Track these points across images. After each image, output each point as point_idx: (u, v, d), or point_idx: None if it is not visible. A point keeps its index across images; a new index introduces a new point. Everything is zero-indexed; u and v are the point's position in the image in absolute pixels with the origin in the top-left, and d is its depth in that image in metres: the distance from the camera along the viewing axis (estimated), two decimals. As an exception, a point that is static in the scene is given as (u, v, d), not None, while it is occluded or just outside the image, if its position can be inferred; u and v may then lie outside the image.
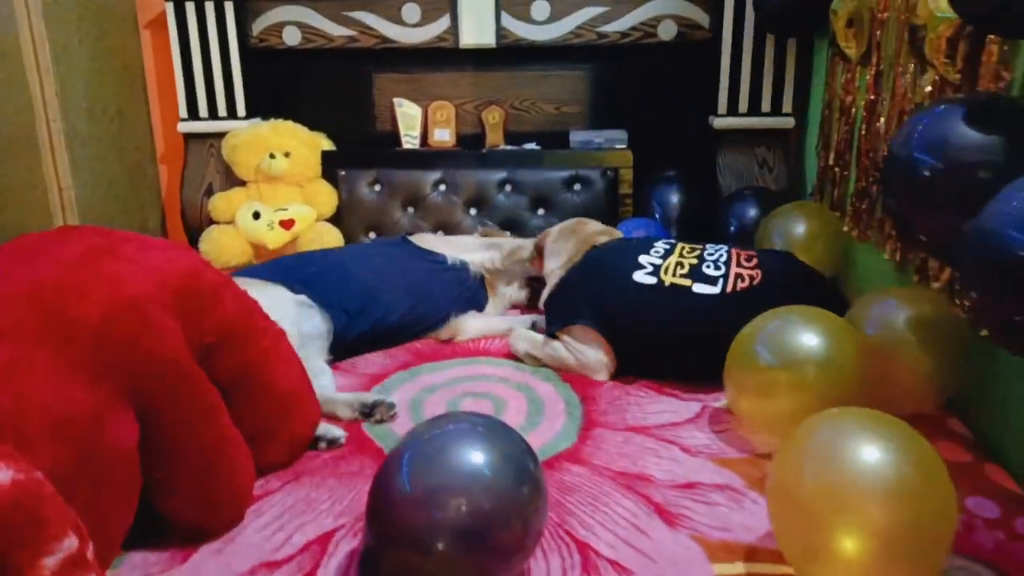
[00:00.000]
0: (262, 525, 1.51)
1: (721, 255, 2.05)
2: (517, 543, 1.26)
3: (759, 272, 1.99)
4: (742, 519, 1.52)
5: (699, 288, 1.97)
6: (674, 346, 1.99)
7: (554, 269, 2.27)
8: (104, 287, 1.34)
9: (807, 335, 1.67)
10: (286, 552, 1.43)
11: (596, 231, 2.31)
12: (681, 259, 2.04)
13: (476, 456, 1.27)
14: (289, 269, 2.20)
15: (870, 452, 1.24)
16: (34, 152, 2.77)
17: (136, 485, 1.29)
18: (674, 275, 2.00)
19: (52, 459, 1.11)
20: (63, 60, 2.82)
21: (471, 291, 2.49)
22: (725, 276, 1.98)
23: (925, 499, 1.21)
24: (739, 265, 2.01)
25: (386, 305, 2.27)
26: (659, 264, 2.04)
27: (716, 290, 1.96)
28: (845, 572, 1.20)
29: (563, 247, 2.28)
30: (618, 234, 2.36)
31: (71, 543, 1.00)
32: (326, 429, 1.77)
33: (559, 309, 2.18)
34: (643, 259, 2.06)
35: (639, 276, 2.02)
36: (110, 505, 1.21)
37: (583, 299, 2.09)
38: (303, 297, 2.09)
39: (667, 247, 2.11)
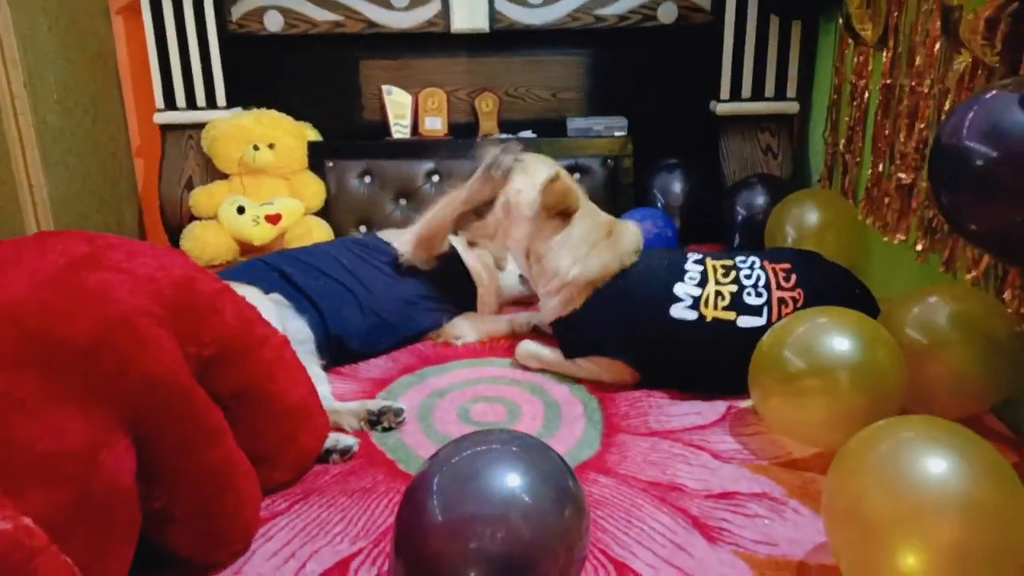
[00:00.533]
0: (271, 552, 1.39)
1: (759, 277, 1.87)
2: (560, 574, 1.15)
3: (800, 292, 1.85)
4: (787, 532, 1.43)
5: (744, 321, 1.82)
6: (717, 376, 1.87)
7: (558, 285, 1.96)
8: (92, 303, 1.21)
9: (838, 338, 1.57)
10: (300, 583, 1.32)
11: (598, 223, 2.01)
12: (719, 287, 1.86)
13: (512, 479, 1.16)
14: (256, 272, 2.05)
15: (937, 464, 1.15)
16: (2, 148, 2.60)
17: (136, 520, 1.16)
18: (715, 308, 1.84)
19: (43, 503, 0.98)
20: (30, 49, 2.64)
21: (452, 287, 2.31)
22: (768, 303, 1.83)
23: (1000, 514, 1.12)
24: (779, 287, 1.86)
25: (355, 314, 2.11)
26: (697, 295, 1.85)
27: (762, 321, 1.81)
28: (916, 596, 1.12)
29: (573, 248, 1.96)
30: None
31: (70, 598, 0.88)
32: (336, 439, 1.65)
33: (581, 342, 1.97)
34: (679, 289, 1.87)
35: (677, 311, 1.85)
36: (109, 546, 1.09)
37: (612, 332, 1.91)
38: (277, 296, 1.96)
39: (700, 271, 1.90)
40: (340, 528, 1.45)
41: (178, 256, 1.45)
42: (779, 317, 1.80)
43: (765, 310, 1.83)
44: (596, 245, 1.97)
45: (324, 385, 1.88)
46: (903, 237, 2.12)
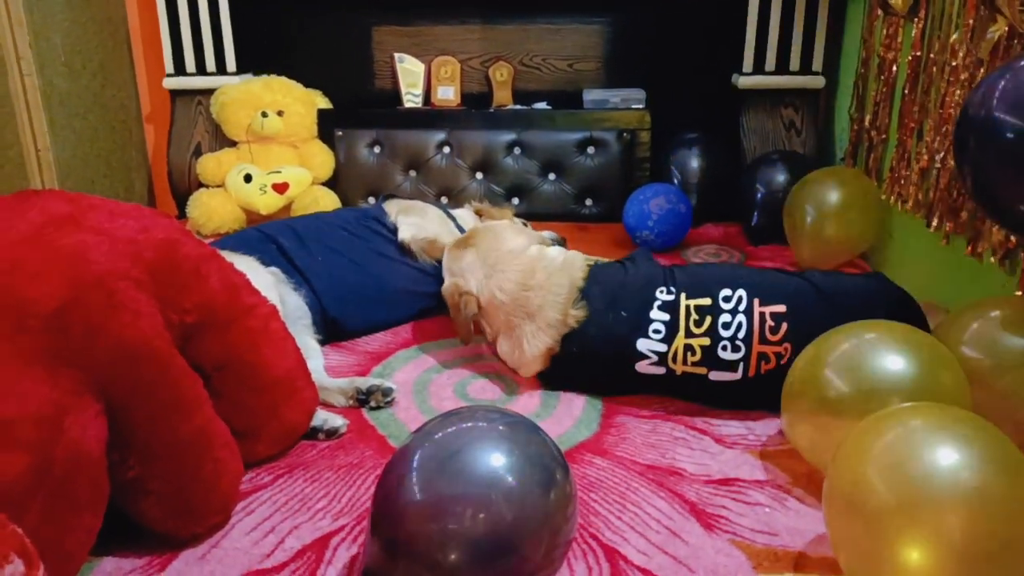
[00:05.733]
0: (251, 526, 1.35)
1: (740, 325, 1.60)
2: (543, 557, 1.10)
3: (788, 347, 1.58)
4: (788, 521, 1.36)
5: (716, 376, 1.62)
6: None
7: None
8: (65, 263, 1.16)
9: (892, 358, 1.33)
10: (278, 559, 1.28)
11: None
12: (689, 340, 1.61)
13: (496, 459, 1.11)
14: (253, 244, 1.97)
15: (946, 454, 1.08)
16: (7, 110, 2.56)
17: (103, 490, 1.12)
18: (685, 363, 1.62)
19: (-2, 468, 0.94)
20: (37, 9, 2.60)
21: None
22: (746, 359, 1.60)
23: (1011, 506, 1.05)
24: (763, 341, 1.59)
25: (354, 297, 2.03)
26: (664, 351, 1.63)
27: (736, 376, 1.61)
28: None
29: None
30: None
31: (14, 569, 0.84)
32: (325, 418, 1.61)
33: (557, 378, 1.79)
34: (643, 346, 1.63)
35: (644, 367, 1.65)
36: (71, 517, 1.05)
37: (583, 379, 1.74)
38: (275, 269, 1.90)
39: (666, 321, 1.63)
40: (323, 504, 1.40)
41: (162, 219, 1.40)
42: (756, 372, 1.60)
43: (741, 365, 1.61)
44: (520, 326, 1.74)
45: (317, 359, 1.83)
46: (928, 218, 2.02)
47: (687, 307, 1.64)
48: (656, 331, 1.63)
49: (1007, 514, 1.04)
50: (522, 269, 1.75)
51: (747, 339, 1.60)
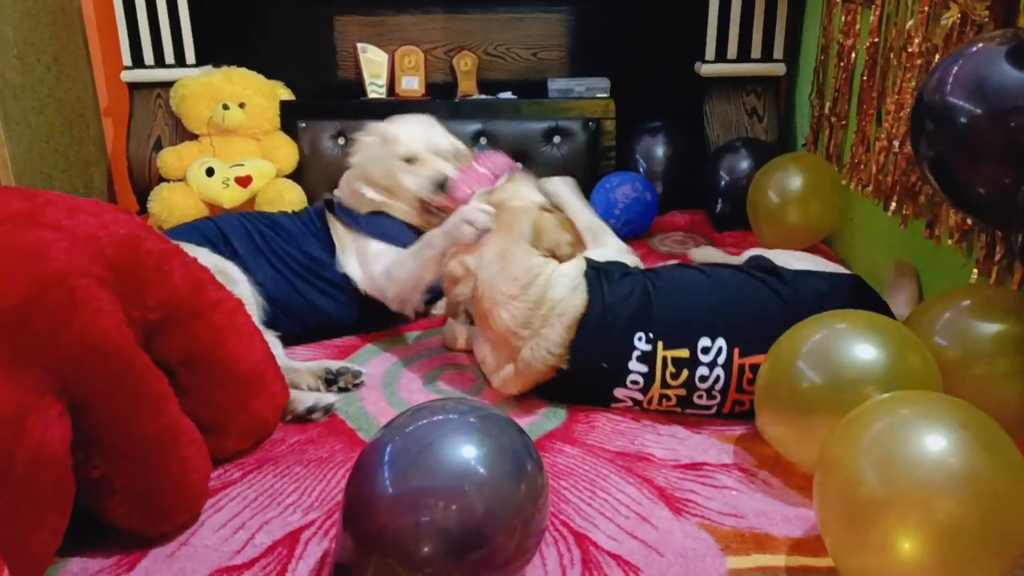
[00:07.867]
0: (220, 523, 1.34)
1: (718, 378, 1.57)
2: (516, 548, 1.11)
3: None
4: (754, 504, 1.39)
5: (690, 411, 1.64)
6: None
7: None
8: (25, 261, 1.15)
9: (864, 347, 1.34)
10: (248, 555, 1.27)
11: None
12: (665, 391, 1.60)
13: (467, 451, 1.11)
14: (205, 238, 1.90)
15: (935, 440, 1.09)
16: (-42, 104, 2.50)
17: (68, 490, 1.11)
18: (659, 405, 1.63)
19: (-43, 471, 0.93)
20: (-14, 1, 2.54)
21: None
22: (721, 404, 1.60)
23: (998, 492, 1.06)
24: (739, 391, 1.58)
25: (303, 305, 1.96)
26: (639, 399, 1.64)
27: (711, 412, 1.63)
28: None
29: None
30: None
31: (-19, 574, 0.83)
32: (316, 398, 1.64)
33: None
34: (620, 393, 1.64)
35: (619, 406, 1.68)
36: (35, 517, 1.03)
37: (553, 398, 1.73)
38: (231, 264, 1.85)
39: (644, 372, 1.60)
40: (294, 499, 1.40)
41: (123, 215, 1.38)
42: (731, 411, 1.61)
43: (716, 407, 1.62)
44: (504, 356, 1.68)
45: (276, 347, 1.80)
46: (886, 202, 2.05)
47: (664, 358, 1.59)
48: (634, 382, 1.62)
49: (997, 500, 1.05)
50: (530, 303, 1.62)
51: (724, 390, 1.59)
